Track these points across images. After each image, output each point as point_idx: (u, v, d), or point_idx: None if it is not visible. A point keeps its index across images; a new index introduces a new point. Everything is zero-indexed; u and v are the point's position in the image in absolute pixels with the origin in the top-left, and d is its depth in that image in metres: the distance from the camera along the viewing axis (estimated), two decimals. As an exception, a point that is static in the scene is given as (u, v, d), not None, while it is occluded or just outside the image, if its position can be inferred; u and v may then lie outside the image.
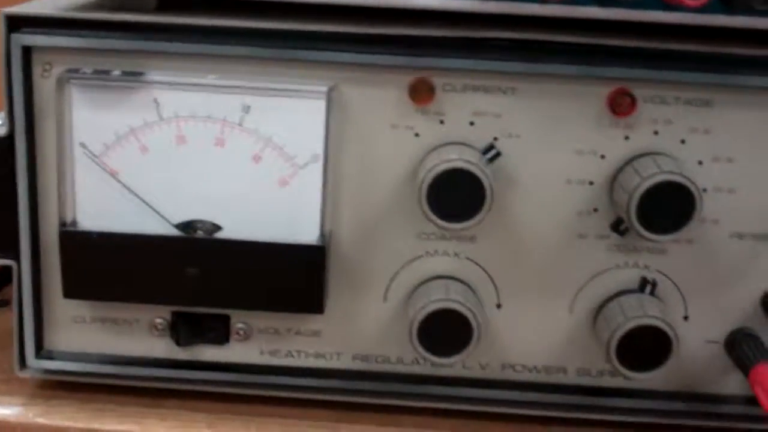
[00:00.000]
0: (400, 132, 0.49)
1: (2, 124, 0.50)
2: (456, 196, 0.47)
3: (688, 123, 0.49)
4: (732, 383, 0.53)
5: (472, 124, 0.49)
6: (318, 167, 0.49)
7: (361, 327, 0.53)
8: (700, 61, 0.48)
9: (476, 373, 0.54)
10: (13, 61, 0.48)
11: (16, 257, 0.52)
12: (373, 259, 0.52)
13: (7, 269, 0.52)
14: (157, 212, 0.50)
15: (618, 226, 0.50)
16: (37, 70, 0.49)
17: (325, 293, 0.51)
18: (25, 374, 0.54)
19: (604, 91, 0.48)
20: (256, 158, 0.49)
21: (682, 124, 0.49)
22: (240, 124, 0.48)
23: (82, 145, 0.49)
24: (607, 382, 0.54)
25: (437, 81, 0.48)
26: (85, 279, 0.51)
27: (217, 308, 0.52)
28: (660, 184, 0.47)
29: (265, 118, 0.48)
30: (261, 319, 0.53)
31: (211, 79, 0.48)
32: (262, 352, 0.54)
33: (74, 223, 0.50)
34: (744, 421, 0.53)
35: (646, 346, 0.49)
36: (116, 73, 0.48)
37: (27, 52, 0.49)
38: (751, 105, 0.49)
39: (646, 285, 0.51)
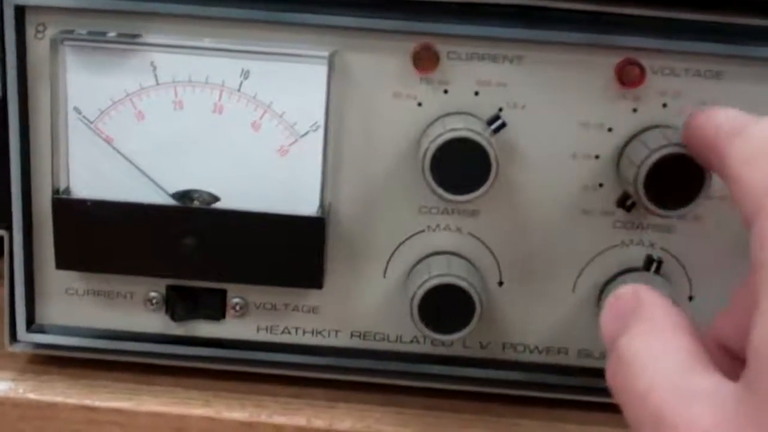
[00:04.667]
0: (403, 101, 0.48)
1: (-6, 88, 0.49)
2: (461, 167, 0.46)
3: (697, 95, 0.48)
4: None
5: (476, 93, 0.48)
6: (318, 136, 0.48)
7: (359, 303, 0.52)
8: (710, 32, 0.47)
9: (477, 352, 0.53)
10: (6, 21, 0.47)
11: (8, 227, 0.50)
12: (373, 233, 0.51)
13: (-1, 240, 0.51)
14: (153, 181, 0.49)
15: (624, 202, 0.49)
16: (30, 31, 0.48)
17: (324, 267, 0.50)
18: (15, 348, 0.53)
19: (612, 60, 0.47)
20: (256, 126, 0.48)
21: (691, 96, 0.48)
22: (239, 90, 0.47)
23: (76, 110, 0.48)
24: (610, 363, 0.53)
25: (441, 48, 0.47)
26: (78, 249, 0.50)
27: (213, 281, 0.51)
28: (669, 156, 0.45)
29: (264, 84, 0.47)
30: (258, 295, 0.52)
31: (209, 42, 0.47)
32: (258, 329, 0.53)
33: (68, 190, 0.49)
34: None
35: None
36: (112, 34, 0.47)
37: (20, 12, 0.47)
38: (762, 77, 0.47)
39: (651, 263, 0.50)
